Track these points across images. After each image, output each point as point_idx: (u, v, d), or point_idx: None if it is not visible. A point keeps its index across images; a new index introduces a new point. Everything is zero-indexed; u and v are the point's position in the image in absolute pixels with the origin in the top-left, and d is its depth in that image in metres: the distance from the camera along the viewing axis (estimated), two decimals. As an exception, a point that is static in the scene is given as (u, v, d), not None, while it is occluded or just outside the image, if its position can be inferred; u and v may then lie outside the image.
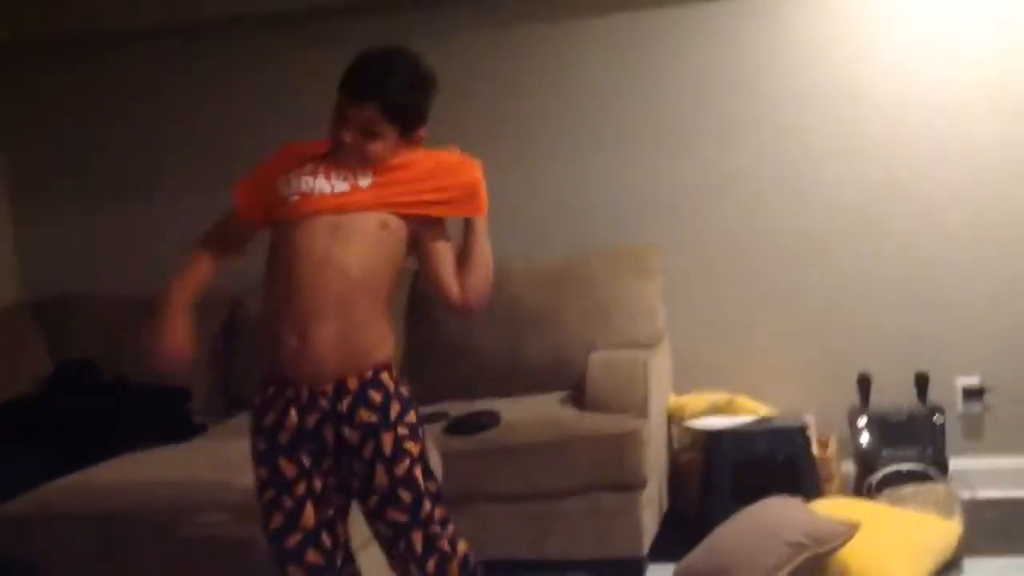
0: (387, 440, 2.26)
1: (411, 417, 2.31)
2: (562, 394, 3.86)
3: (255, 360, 2.35)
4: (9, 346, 4.15)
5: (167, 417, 3.84)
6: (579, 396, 3.74)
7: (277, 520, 2.27)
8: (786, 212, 4.24)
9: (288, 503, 2.26)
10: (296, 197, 2.29)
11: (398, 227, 2.30)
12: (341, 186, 2.29)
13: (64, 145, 4.75)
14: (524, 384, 3.94)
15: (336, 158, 2.31)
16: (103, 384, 3.97)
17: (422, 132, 2.35)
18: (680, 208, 4.30)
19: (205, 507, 2.77)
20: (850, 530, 3.20)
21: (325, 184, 2.29)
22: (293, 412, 2.24)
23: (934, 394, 4.00)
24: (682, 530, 3.65)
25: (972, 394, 4.12)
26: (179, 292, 2.35)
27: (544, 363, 3.99)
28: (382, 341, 2.32)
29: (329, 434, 2.25)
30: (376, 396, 2.26)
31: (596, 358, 3.77)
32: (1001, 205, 4.10)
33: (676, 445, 4.03)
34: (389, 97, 2.26)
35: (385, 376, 2.29)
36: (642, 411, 3.57)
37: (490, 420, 3.67)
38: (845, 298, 4.21)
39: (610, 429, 3.52)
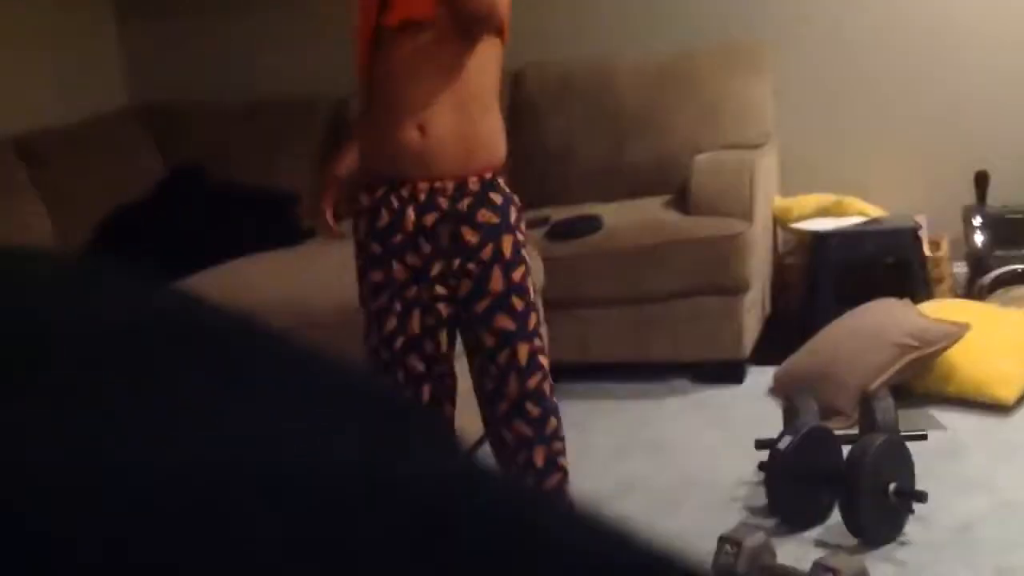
0: (507, 243, 2.20)
1: (525, 225, 2.27)
2: (666, 198, 3.82)
3: (360, 160, 2.31)
4: (121, 151, 4.23)
5: (275, 222, 3.90)
6: (683, 200, 3.70)
7: (389, 325, 2.22)
8: (903, 4, 4.03)
9: (399, 307, 2.21)
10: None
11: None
12: None
13: None
14: (627, 188, 3.90)
15: None
16: (211, 190, 4.03)
17: None
18: (792, 1, 4.11)
19: (312, 314, 2.84)
20: (959, 331, 3.16)
21: None
22: (411, 211, 2.18)
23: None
24: (785, 334, 3.64)
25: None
26: (332, 170, 2.42)
27: (648, 166, 3.93)
28: (500, 141, 2.26)
29: (445, 235, 2.19)
30: (496, 198, 2.21)
31: (701, 161, 3.69)
32: None
33: (781, 248, 3.98)
34: None
35: (502, 180, 2.24)
36: (747, 214, 3.53)
37: (592, 224, 3.66)
38: (962, 94, 4.02)
39: (714, 233, 3.48)
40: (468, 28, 2.16)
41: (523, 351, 2.19)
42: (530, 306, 2.22)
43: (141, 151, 4.28)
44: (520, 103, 4.01)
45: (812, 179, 4.03)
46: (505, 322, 2.19)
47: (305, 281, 3.33)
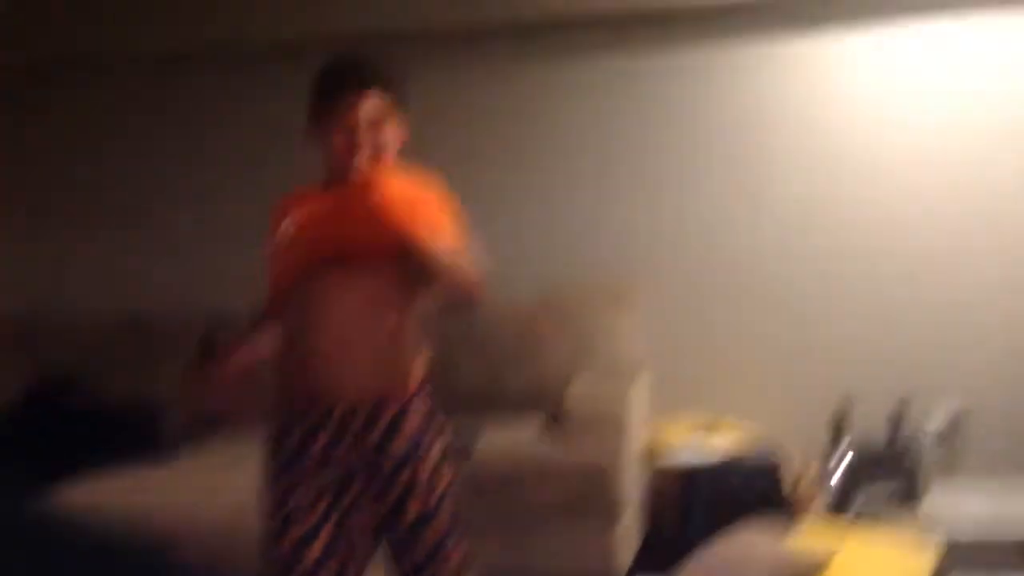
0: (425, 467, 2.19)
1: (445, 440, 2.25)
2: (540, 423, 3.86)
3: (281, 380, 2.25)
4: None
5: (140, 438, 3.82)
6: (558, 427, 3.74)
7: (284, 549, 2.16)
8: (767, 237, 4.28)
9: (298, 532, 2.16)
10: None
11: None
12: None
13: (45, 160, 4.71)
14: (502, 412, 3.93)
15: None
16: (78, 402, 3.95)
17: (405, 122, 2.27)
18: (662, 233, 4.33)
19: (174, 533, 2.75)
20: (821, 564, 3.20)
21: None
22: (323, 435, 2.16)
23: (914, 422, 4.00)
24: (658, 558, 3.64)
25: (952, 424, 4.13)
26: (236, 356, 2.29)
27: (523, 391, 4.00)
28: (420, 357, 2.24)
29: (360, 460, 2.17)
30: (415, 419, 2.19)
31: (574, 388, 3.79)
32: (982, 234, 4.17)
33: (653, 475, 4.03)
34: (387, 74, 2.22)
35: (422, 397, 2.22)
36: (619, 442, 3.56)
37: (466, 447, 3.66)
38: (827, 322, 4.25)
39: (587, 459, 3.50)
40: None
41: (453, 559, 2.20)
42: (456, 515, 2.22)
43: (10, 360, 4.18)
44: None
45: (685, 402, 4.16)
46: (434, 535, 2.19)
47: (175, 497, 3.24)
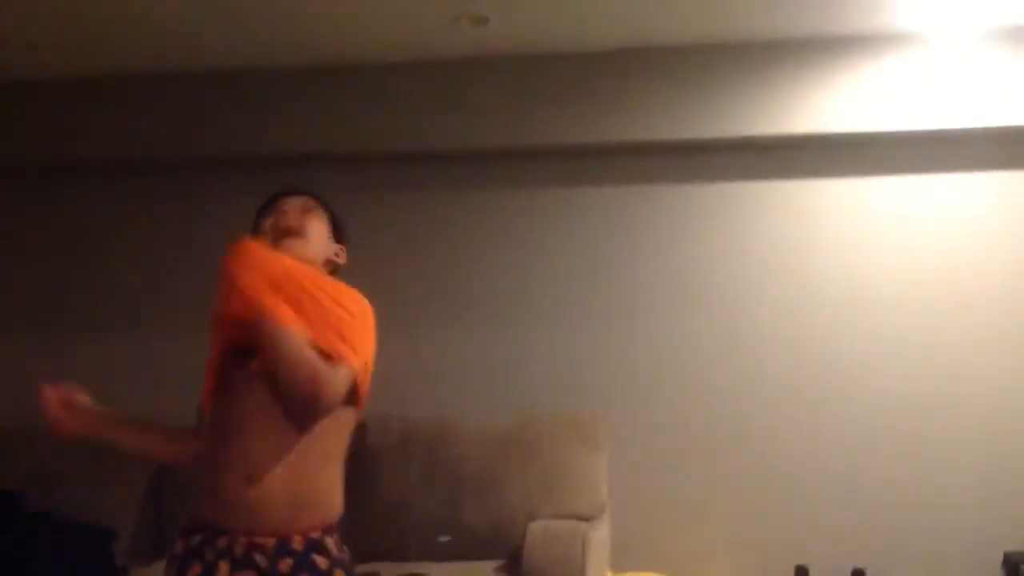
0: None
1: None
2: (498, 563, 3.77)
3: (187, 504, 2.22)
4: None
5: (88, 557, 3.67)
6: (515, 565, 3.66)
7: None
8: (731, 399, 4.27)
9: None
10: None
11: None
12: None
13: (5, 273, 4.70)
14: (461, 549, 3.84)
15: None
16: (27, 518, 3.81)
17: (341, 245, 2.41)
18: (629, 380, 4.32)
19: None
20: None
21: None
22: (224, 567, 2.06)
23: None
24: None
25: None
26: (118, 416, 2.35)
27: (483, 528, 3.91)
28: (334, 499, 2.20)
29: None
30: (321, 561, 2.11)
31: (535, 528, 3.71)
32: (937, 406, 4.16)
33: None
34: (312, 194, 2.39)
35: (330, 540, 2.15)
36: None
37: (422, 584, 3.60)
38: (786, 489, 4.20)
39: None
40: (299, 416, 2.14)
41: None
42: None
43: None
44: (360, 454, 4.03)
45: (641, 555, 4.04)
46: None
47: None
